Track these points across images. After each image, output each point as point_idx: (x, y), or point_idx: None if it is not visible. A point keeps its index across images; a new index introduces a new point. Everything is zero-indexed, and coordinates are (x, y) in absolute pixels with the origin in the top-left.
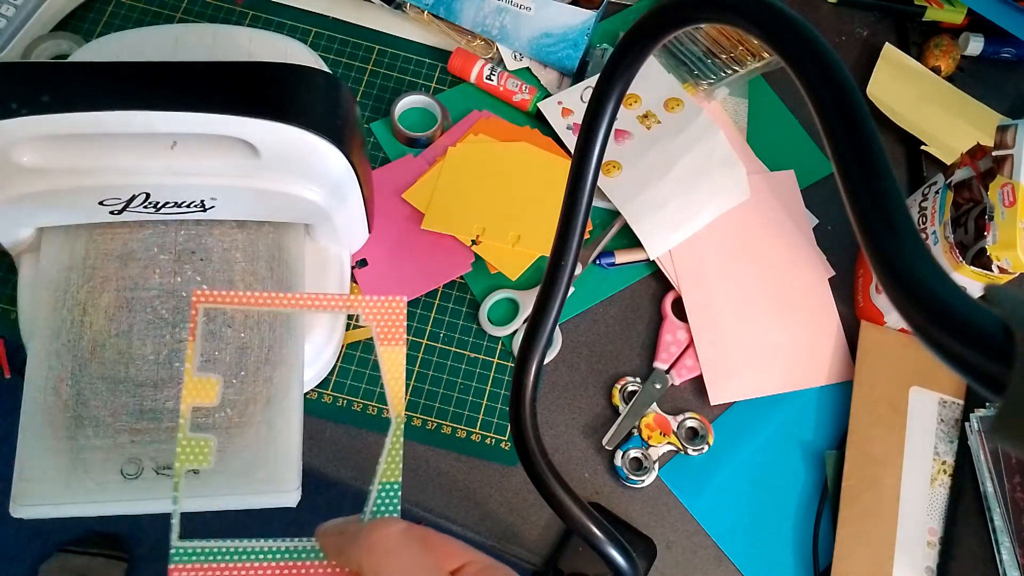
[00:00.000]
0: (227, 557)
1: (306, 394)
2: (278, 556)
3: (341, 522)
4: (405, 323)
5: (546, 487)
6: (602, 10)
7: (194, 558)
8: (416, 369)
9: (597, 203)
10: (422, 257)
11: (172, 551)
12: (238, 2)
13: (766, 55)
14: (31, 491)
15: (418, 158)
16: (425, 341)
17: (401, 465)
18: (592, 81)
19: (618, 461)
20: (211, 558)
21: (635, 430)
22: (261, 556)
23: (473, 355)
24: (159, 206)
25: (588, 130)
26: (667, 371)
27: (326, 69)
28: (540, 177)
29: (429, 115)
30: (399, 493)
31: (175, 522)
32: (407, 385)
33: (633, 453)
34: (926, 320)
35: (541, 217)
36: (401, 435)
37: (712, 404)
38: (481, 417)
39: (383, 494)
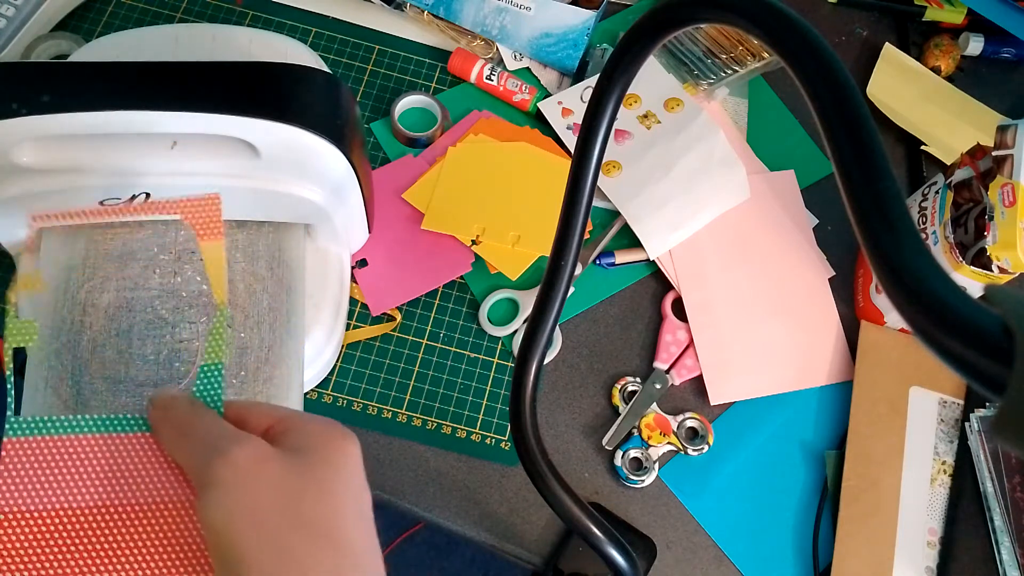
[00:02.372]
0: (56, 429)
1: (306, 394)
2: (105, 426)
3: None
4: (221, 219)
5: (546, 487)
6: (602, 10)
7: (26, 431)
8: (416, 369)
9: (597, 203)
10: (422, 257)
11: (8, 426)
12: (238, 2)
13: (766, 55)
14: None
15: (418, 158)
16: (425, 341)
17: (226, 350)
18: (592, 81)
19: (618, 461)
20: (42, 430)
21: (635, 430)
22: (89, 426)
23: (473, 355)
24: None
25: (588, 130)
26: (667, 371)
27: (326, 69)
28: (540, 177)
29: (429, 115)
30: (222, 373)
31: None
32: (407, 385)
33: (633, 453)
34: (926, 320)
35: (541, 217)
36: (225, 322)
37: (712, 404)
38: (481, 417)
39: (204, 375)
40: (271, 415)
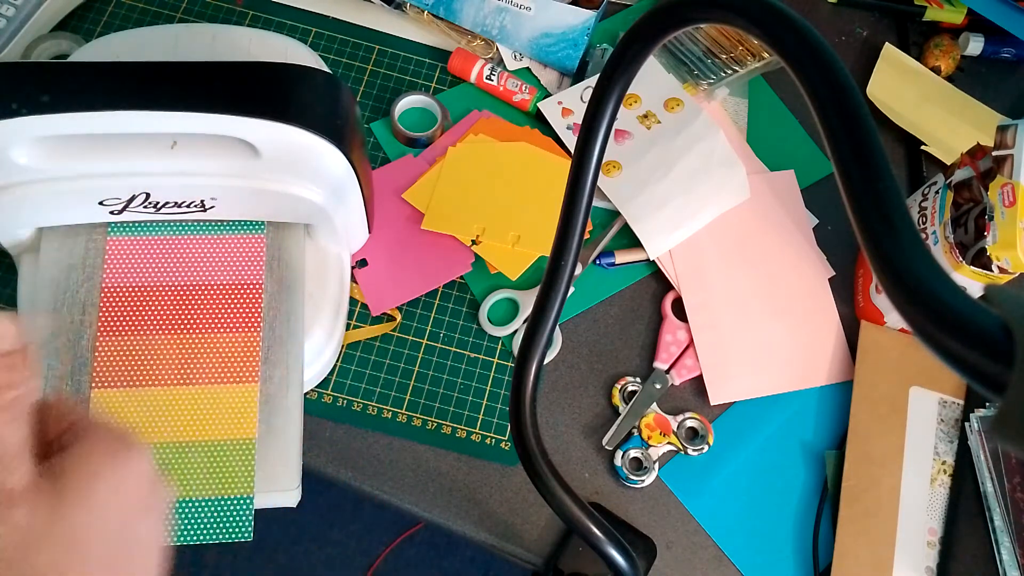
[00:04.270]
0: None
1: (306, 394)
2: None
3: None
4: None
5: (546, 487)
6: (602, 10)
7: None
8: (416, 369)
9: (597, 203)
10: (422, 257)
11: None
12: (238, 2)
13: (766, 55)
14: None
15: (418, 158)
16: (425, 341)
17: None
18: (592, 81)
19: (618, 461)
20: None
21: (635, 430)
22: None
23: (473, 355)
24: (159, 206)
25: (588, 130)
26: (667, 371)
27: (326, 69)
28: (540, 177)
29: (429, 115)
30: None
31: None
32: (407, 385)
33: (633, 453)
34: (926, 320)
35: (541, 217)
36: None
37: (712, 404)
38: (481, 417)
39: None
40: (65, 416)
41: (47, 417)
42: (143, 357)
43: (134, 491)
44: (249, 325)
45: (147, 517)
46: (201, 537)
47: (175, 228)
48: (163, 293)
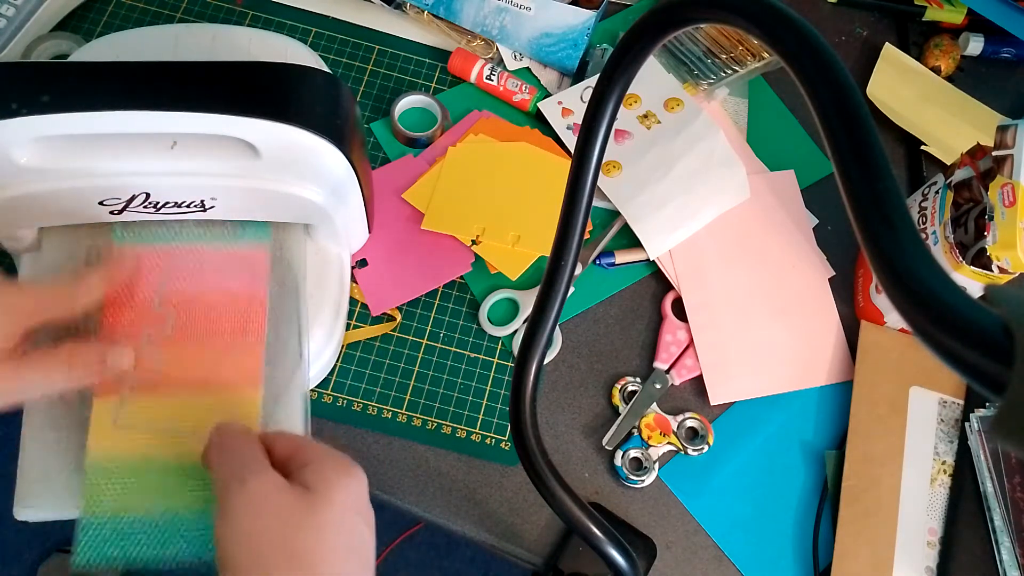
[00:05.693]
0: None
1: None
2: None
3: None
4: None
5: (546, 487)
6: (602, 10)
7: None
8: (416, 369)
9: (597, 203)
10: (422, 257)
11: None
12: (238, 2)
13: (766, 55)
14: (34, 493)
15: (418, 158)
16: (425, 341)
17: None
18: (592, 81)
19: (618, 461)
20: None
21: (635, 430)
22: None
23: (473, 355)
24: (159, 206)
25: (588, 130)
26: (667, 371)
27: (326, 69)
28: (540, 177)
29: (429, 115)
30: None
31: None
32: (407, 385)
33: (633, 453)
34: (926, 320)
35: (541, 217)
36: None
37: (712, 404)
38: (481, 417)
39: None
40: (293, 444)
41: (276, 444)
42: (145, 362)
43: (359, 500)
44: (251, 329)
45: (368, 524)
46: (208, 545)
47: (178, 237)
48: (165, 297)
